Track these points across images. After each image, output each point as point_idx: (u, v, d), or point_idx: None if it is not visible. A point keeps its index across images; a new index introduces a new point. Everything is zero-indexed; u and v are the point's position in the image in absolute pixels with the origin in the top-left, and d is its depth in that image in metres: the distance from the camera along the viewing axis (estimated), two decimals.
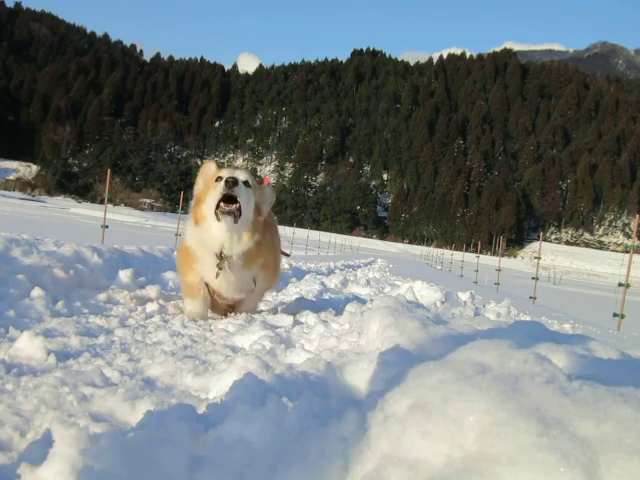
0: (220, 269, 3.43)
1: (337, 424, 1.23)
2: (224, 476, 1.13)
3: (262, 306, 4.81)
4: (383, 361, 1.83)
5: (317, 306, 5.09)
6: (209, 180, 3.42)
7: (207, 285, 3.67)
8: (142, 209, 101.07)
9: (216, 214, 3.27)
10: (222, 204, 3.23)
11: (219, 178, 3.32)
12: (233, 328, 3.23)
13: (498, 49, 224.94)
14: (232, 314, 3.83)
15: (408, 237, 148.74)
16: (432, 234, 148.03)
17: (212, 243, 3.40)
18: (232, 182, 3.21)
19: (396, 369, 1.62)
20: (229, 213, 3.24)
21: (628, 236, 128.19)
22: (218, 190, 3.24)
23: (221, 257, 3.42)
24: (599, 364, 1.76)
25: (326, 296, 6.02)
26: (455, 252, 41.00)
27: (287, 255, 4.17)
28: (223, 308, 3.92)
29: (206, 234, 3.38)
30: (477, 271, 21.26)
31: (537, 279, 14.37)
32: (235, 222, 3.29)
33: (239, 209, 3.26)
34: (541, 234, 23.26)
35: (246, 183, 3.38)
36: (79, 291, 3.59)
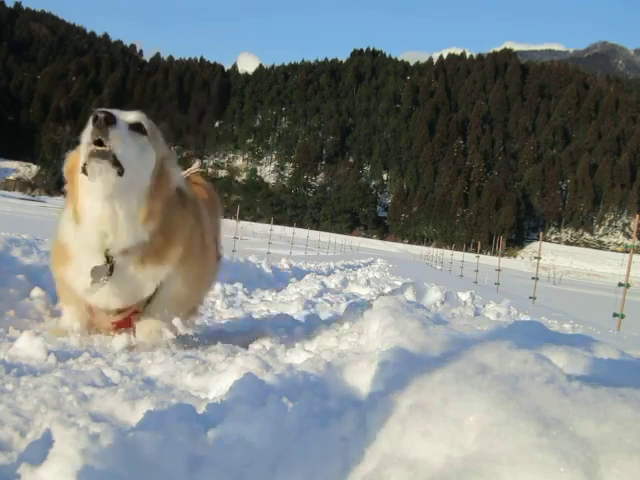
0: (106, 277, 2.28)
1: (337, 424, 1.24)
2: (224, 476, 1.13)
3: (262, 306, 4.79)
4: (383, 361, 1.84)
5: (317, 306, 5.10)
6: None
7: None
8: None
9: (84, 169, 2.11)
10: (91, 147, 2.07)
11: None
12: (233, 328, 3.23)
13: (498, 49, 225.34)
14: (132, 335, 2.54)
15: (408, 237, 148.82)
16: (432, 234, 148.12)
17: (87, 230, 2.24)
18: (104, 119, 2.04)
19: (396, 369, 1.62)
20: (101, 155, 2.06)
21: (628, 236, 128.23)
22: (85, 137, 2.11)
23: (107, 258, 2.28)
24: (599, 364, 1.76)
25: (326, 296, 6.02)
26: (455, 252, 40.99)
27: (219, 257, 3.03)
28: (110, 326, 2.60)
29: (80, 221, 2.26)
30: (477, 271, 21.26)
31: (537, 279, 14.37)
32: (118, 174, 2.11)
33: (114, 157, 2.08)
34: (541, 234, 23.29)
35: (137, 127, 2.22)
36: None
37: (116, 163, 2.10)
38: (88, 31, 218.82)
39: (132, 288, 2.40)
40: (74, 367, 1.98)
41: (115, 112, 2.13)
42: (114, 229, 2.23)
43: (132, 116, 2.23)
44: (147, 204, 2.26)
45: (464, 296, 7.43)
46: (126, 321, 2.56)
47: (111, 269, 2.28)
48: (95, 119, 2.05)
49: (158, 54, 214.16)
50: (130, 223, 2.24)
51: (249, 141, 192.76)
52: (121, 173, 2.12)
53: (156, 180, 2.28)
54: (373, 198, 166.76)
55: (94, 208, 2.21)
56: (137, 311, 2.54)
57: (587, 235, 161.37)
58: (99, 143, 2.06)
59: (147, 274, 2.39)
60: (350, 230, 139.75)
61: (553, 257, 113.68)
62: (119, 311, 2.51)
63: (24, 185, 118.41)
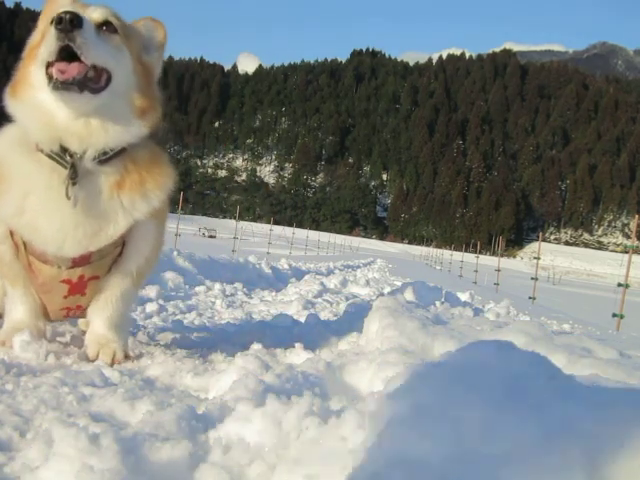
0: (71, 182, 1.77)
1: (337, 424, 1.24)
2: (224, 476, 1.13)
3: (262, 306, 4.80)
4: (383, 361, 1.84)
5: (317, 306, 5.10)
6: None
7: (23, 248, 1.93)
8: None
9: (48, 83, 1.71)
10: (54, 67, 1.68)
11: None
12: (233, 328, 3.23)
13: (498, 49, 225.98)
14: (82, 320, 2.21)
15: (407, 237, 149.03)
16: (431, 234, 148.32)
17: (45, 129, 1.79)
18: (69, 20, 1.62)
19: (395, 369, 1.62)
20: (65, 85, 1.68)
21: (627, 236, 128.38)
22: (48, 40, 1.68)
23: (64, 155, 1.79)
24: (599, 364, 1.76)
25: (326, 296, 6.02)
26: (454, 252, 41.08)
27: None
28: (59, 302, 2.09)
29: (34, 111, 1.80)
30: (476, 271, 21.28)
31: (536, 279, 14.40)
32: (92, 93, 1.74)
33: (85, 74, 1.69)
34: (540, 234, 23.34)
35: (106, 25, 1.80)
36: None
37: (86, 84, 1.71)
38: None
39: (99, 219, 1.85)
40: (74, 367, 1.98)
41: (78, 11, 1.69)
42: (89, 131, 1.79)
43: (97, 13, 1.79)
44: (139, 98, 1.86)
45: (464, 296, 7.44)
46: (80, 284, 2.02)
47: (74, 172, 1.77)
48: (59, 21, 1.62)
49: None
50: (119, 118, 1.82)
51: (249, 141, 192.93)
52: (97, 90, 1.76)
53: (138, 78, 1.88)
54: (372, 198, 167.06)
55: (62, 111, 1.77)
56: (97, 276, 2.04)
57: (586, 235, 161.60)
58: (65, 50, 1.65)
59: (123, 203, 1.88)
60: (350, 230, 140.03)
61: (552, 257, 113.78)
62: (74, 263, 1.93)
63: None
